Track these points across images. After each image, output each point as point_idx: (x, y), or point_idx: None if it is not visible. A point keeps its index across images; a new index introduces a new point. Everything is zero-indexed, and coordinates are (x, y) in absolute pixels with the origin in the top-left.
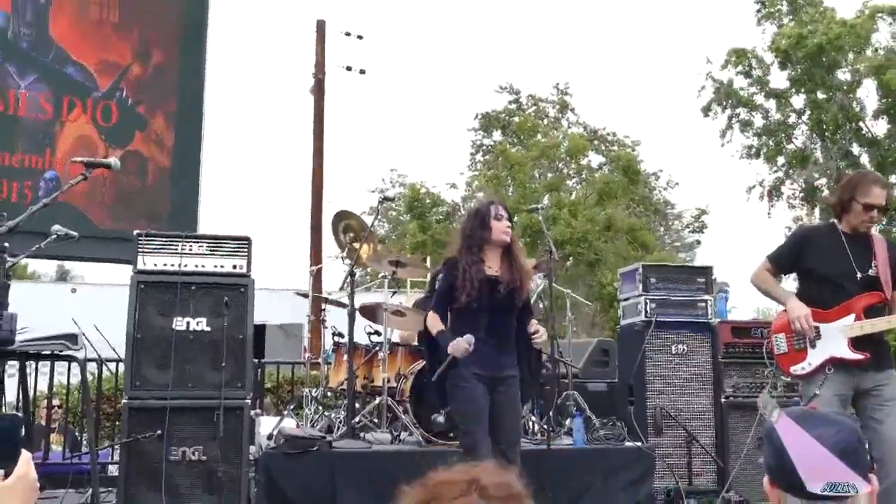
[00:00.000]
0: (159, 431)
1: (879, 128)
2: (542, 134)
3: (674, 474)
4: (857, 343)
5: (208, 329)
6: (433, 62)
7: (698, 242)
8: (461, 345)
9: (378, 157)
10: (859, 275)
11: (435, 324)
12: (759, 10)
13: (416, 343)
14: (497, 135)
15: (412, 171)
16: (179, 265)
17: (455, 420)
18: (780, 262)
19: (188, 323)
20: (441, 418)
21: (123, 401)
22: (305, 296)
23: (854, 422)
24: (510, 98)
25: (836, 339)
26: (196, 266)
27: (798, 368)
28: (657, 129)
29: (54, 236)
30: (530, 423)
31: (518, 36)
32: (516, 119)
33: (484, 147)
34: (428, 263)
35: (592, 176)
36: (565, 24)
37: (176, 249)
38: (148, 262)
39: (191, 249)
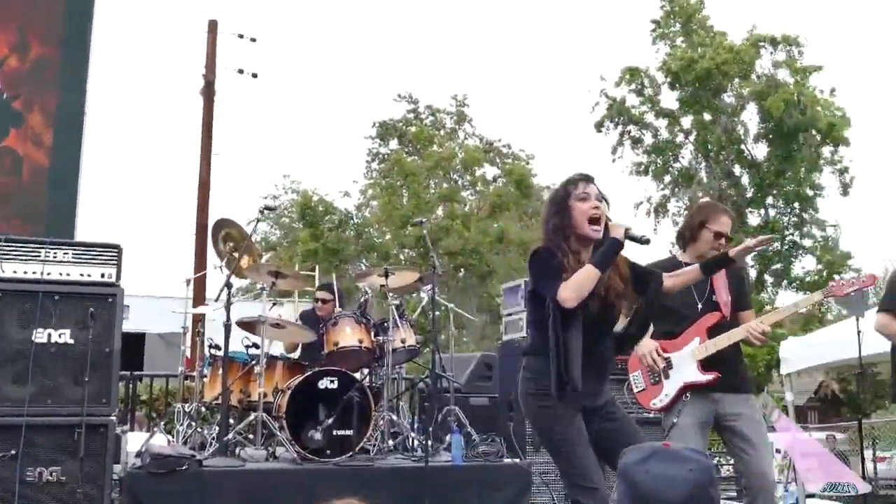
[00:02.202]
0: (13, 451)
1: (760, 151)
2: (438, 144)
3: (551, 491)
4: (707, 366)
5: (72, 342)
6: (330, 68)
7: None
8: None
9: (271, 162)
10: (700, 304)
11: (581, 272)
12: (654, 30)
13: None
14: (393, 143)
15: (306, 178)
16: (42, 273)
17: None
18: None
19: (49, 335)
20: (318, 435)
21: None
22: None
23: (707, 458)
24: (408, 107)
25: (687, 364)
26: (60, 274)
27: (657, 402)
28: (551, 143)
29: None
30: (410, 439)
31: (417, 45)
32: (413, 128)
33: (380, 156)
34: (316, 273)
35: (486, 188)
36: (465, 35)
37: (38, 256)
38: (7, 268)
39: (55, 256)
